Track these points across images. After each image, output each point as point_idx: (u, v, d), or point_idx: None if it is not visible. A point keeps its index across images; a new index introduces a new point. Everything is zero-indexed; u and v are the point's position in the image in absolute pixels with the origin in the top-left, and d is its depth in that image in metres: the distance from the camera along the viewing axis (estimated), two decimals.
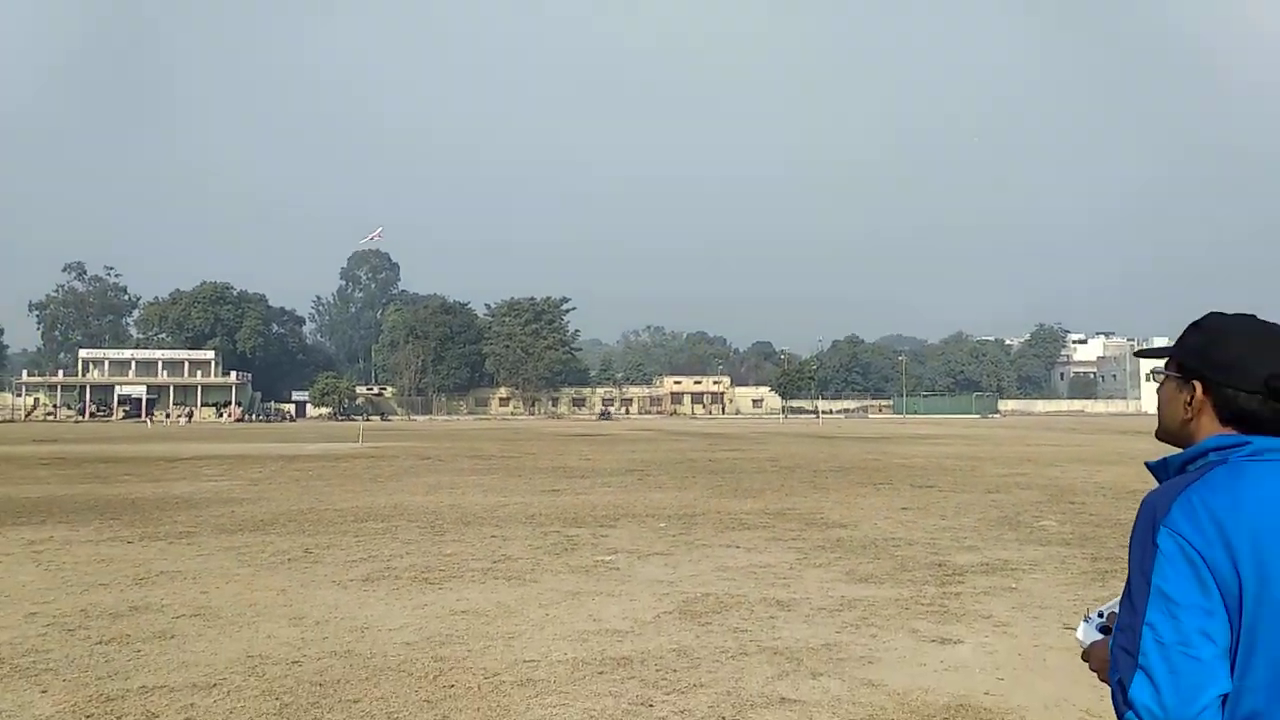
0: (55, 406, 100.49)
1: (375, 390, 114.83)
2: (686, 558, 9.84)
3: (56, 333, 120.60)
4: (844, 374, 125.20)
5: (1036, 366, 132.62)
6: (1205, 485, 1.51)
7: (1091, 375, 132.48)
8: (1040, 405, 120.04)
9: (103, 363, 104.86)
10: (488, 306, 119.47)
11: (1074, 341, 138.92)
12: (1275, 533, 1.45)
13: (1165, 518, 1.49)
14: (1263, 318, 1.64)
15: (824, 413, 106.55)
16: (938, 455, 28.07)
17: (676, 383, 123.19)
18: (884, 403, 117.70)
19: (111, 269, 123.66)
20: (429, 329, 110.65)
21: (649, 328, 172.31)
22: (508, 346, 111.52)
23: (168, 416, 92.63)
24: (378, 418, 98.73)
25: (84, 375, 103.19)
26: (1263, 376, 1.55)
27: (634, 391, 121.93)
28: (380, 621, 7.00)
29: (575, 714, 4.92)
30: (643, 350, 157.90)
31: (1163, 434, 1.71)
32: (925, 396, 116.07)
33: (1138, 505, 1.58)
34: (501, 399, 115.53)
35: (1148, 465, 1.71)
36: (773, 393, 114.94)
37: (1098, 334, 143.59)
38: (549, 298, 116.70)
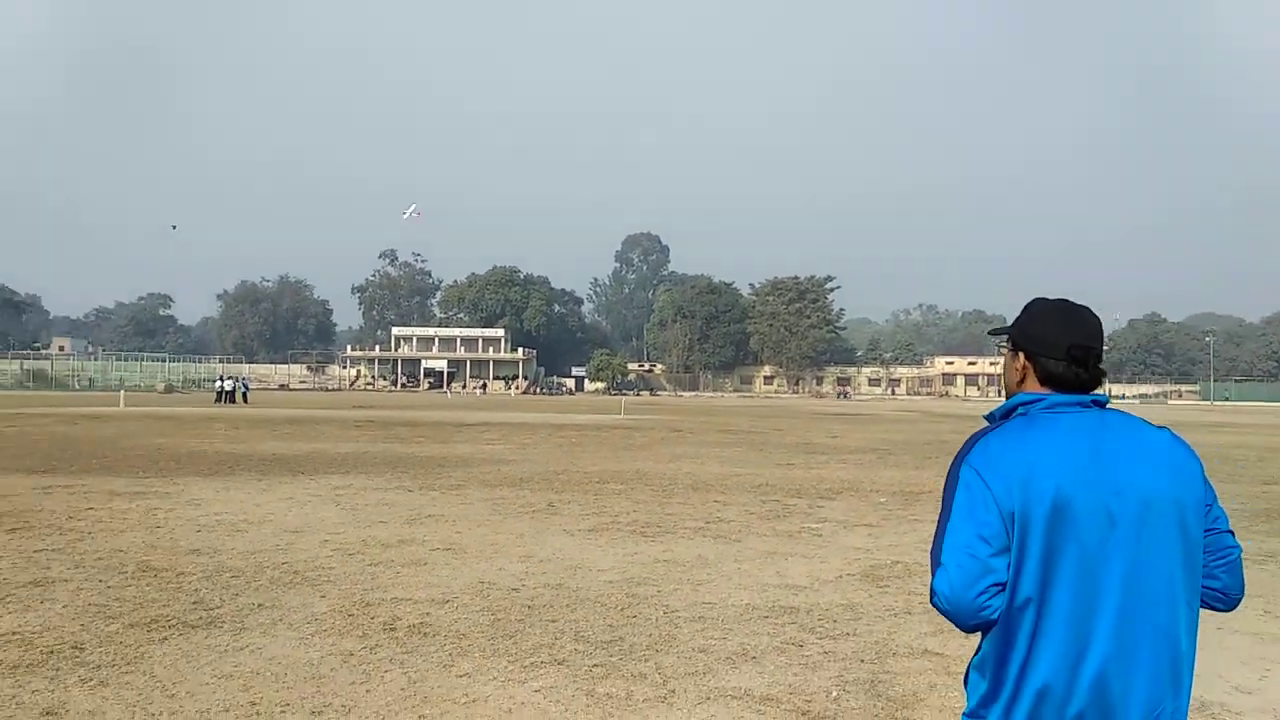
0: (373, 377, 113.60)
1: (646, 367, 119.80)
2: (893, 530, 10.13)
3: (374, 312, 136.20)
4: (1142, 355, 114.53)
5: None
6: (1001, 431, 2.02)
7: None
8: None
9: (411, 339, 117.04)
10: (752, 286, 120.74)
11: None
12: (1043, 465, 1.92)
13: (967, 455, 1.99)
14: None
15: (1115, 398, 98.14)
16: (1225, 444, 25.55)
17: (948, 363, 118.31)
18: (1189, 388, 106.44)
19: (418, 255, 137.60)
20: (695, 308, 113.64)
21: (920, 306, 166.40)
22: (771, 325, 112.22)
23: (464, 387, 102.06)
24: (647, 393, 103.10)
25: (396, 350, 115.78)
26: (1065, 346, 2.05)
27: (902, 372, 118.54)
28: (592, 563, 8.01)
29: (730, 646, 5.60)
30: (913, 329, 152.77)
31: (1006, 394, 2.20)
32: (1239, 382, 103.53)
33: None
34: (765, 377, 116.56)
35: (984, 416, 2.18)
36: None
37: None
38: (813, 276, 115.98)
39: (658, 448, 21.72)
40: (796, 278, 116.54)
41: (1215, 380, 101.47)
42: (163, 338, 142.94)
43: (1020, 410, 2.06)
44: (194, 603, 6.44)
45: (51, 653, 5.22)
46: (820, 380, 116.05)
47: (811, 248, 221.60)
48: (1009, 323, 2.22)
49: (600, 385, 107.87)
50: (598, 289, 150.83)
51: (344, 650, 5.39)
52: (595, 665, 5.19)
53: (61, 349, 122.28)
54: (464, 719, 4.41)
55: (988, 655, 1.98)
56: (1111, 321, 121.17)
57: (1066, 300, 2.14)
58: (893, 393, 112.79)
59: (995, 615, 1.91)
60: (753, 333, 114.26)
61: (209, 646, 5.42)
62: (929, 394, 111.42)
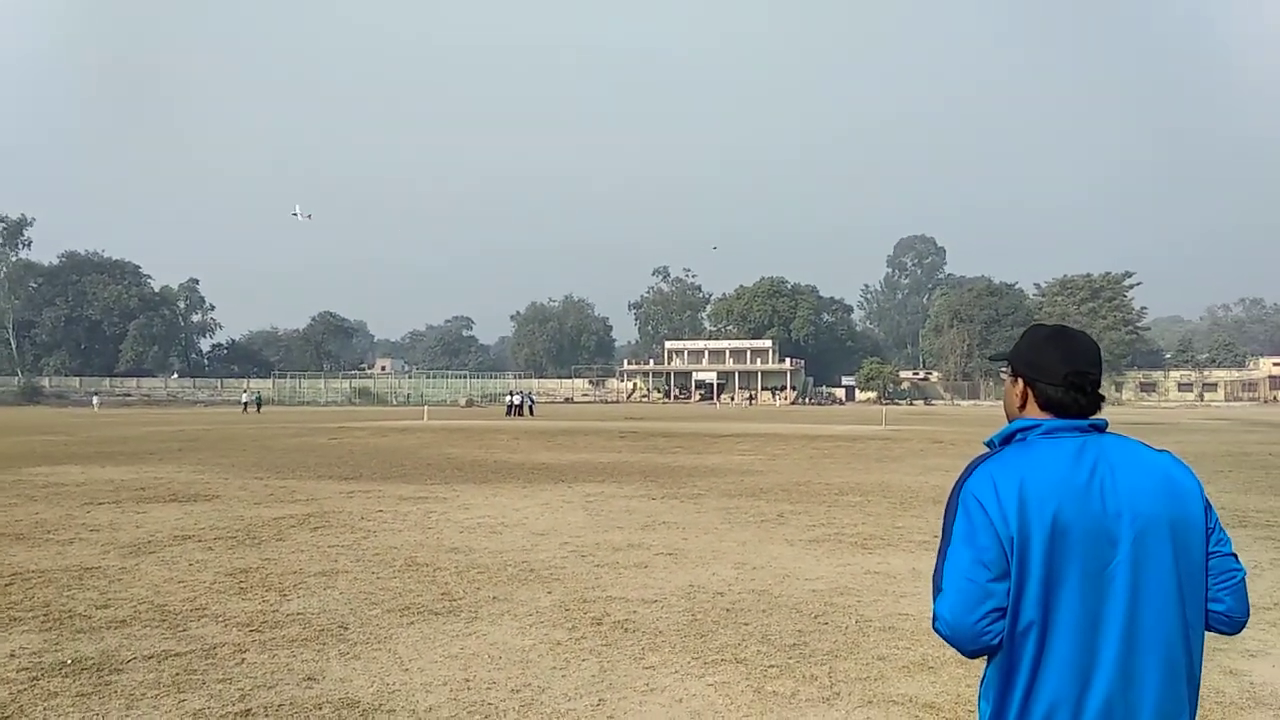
0: (648, 390, 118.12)
1: (921, 375, 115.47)
2: None
3: (649, 327, 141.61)
4: None
5: None
6: (1000, 457, 2.08)
7: None
8: None
9: (683, 352, 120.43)
10: (1037, 286, 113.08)
11: None
12: (1041, 490, 1.99)
13: (965, 481, 2.06)
14: None
15: None
16: None
17: (1277, 364, 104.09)
18: None
19: (689, 270, 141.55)
20: (974, 312, 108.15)
21: (1242, 300, 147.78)
22: None
23: (732, 399, 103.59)
24: (920, 402, 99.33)
25: (668, 363, 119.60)
26: (1062, 373, 2.13)
27: (1219, 375, 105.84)
28: (803, 572, 8.25)
29: (912, 656, 5.69)
30: (1234, 326, 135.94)
31: (1008, 419, 2.25)
32: None
33: None
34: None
35: (984, 442, 2.25)
36: None
37: None
38: (1108, 273, 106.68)
39: (912, 460, 21.24)
40: (1089, 275, 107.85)
41: None
42: (465, 356, 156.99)
43: (1019, 436, 2.13)
44: (442, 594, 7.43)
45: (322, 630, 6.30)
46: (1120, 386, 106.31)
47: (1105, 242, 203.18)
48: None
49: (871, 395, 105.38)
50: (869, 295, 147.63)
51: (553, 639, 6.07)
52: (772, 666, 5.51)
53: (383, 368, 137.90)
54: (639, 705, 4.90)
55: (992, 680, 2.04)
56: None
57: (1064, 326, 2.24)
58: (1202, 398, 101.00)
59: (996, 640, 1.97)
60: None
61: (445, 631, 6.30)
62: (1252, 399, 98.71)
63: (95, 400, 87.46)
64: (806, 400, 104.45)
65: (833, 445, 26.36)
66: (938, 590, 2.03)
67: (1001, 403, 2.35)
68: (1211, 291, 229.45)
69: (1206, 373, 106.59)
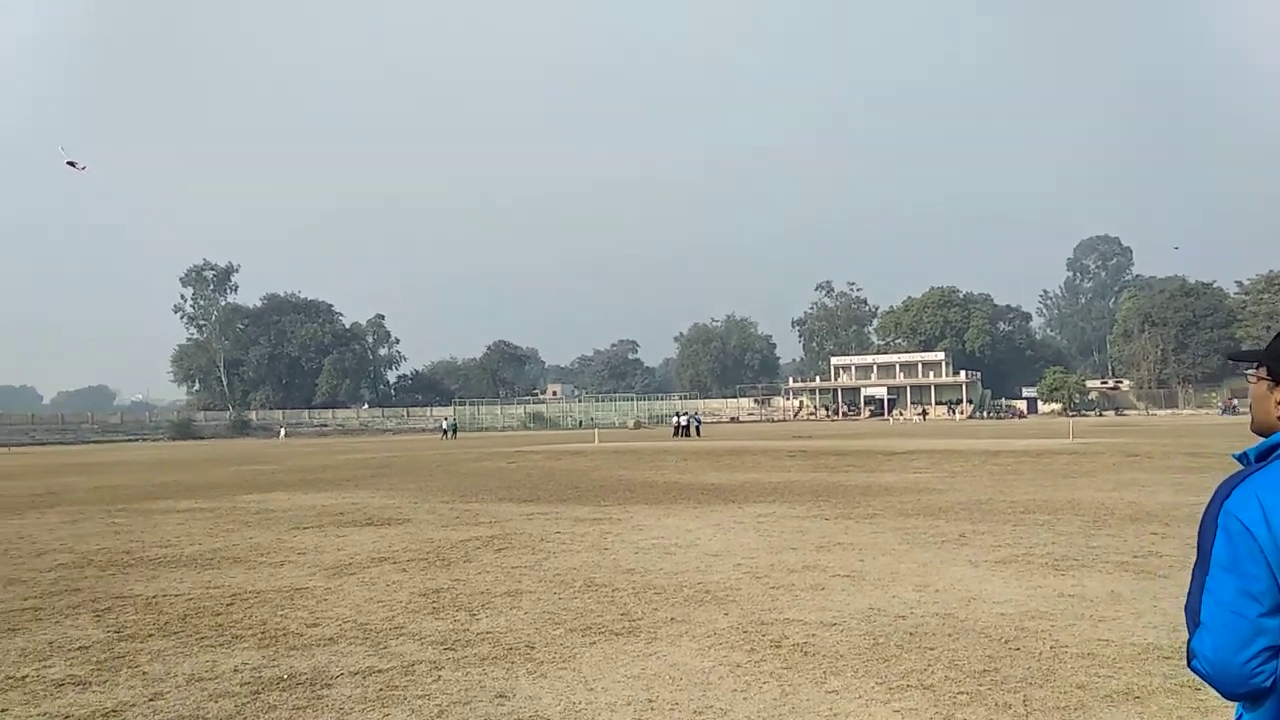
0: (815, 407, 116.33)
1: (1110, 384, 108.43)
2: None
3: (814, 344, 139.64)
4: None
5: None
6: (1265, 474, 1.83)
7: None
8: None
9: (850, 368, 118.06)
10: (1239, 284, 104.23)
11: None
12: None
13: (1227, 501, 1.82)
14: None
15: None
16: None
17: None
18: None
19: (853, 284, 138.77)
20: (1167, 314, 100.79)
21: None
22: (1269, 329, 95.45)
23: (903, 414, 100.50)
24: (1111, 413, 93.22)
25: (835, 379, 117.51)
26: None
27: None
28: (990, 595, 7.92)
29: (1115, 685, 5.36)
30: None
31: (1256, 428, 2.02)
32: None
33: None
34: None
35: (1233, 456, 2.04)
36: None
37: None
38: None
39: (1103, 475, 19.97)
40: None
41: None
42: (631, 379, 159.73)
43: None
44: (621, 614, 7.58)
45: (511, 649, 6.56)
46: None
47: None
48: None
49: (1055, 406, 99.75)
50: (1048, 302, 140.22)
51: (733, 661, 6.08)
52: (961, 693, 5.32)
53: (554, 393, 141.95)
54: None
55: None
56: None
57: None
58: None
59: (1268, 683, 1.75)
60: (1244, 338, 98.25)
61: (626, 651, 6.43)
62: None
63: (281, 432, 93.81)
64: (984, 414, 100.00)
65: (1015, 461, 25.14)
66: (1196, 623, 1.83)
67: (1249, 411, 2.07)
68: None
69: None
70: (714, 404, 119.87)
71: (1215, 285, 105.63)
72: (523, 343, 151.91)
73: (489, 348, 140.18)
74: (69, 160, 52.81)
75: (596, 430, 64.61)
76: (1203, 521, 1.88)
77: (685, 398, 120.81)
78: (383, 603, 8.28)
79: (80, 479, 28.66)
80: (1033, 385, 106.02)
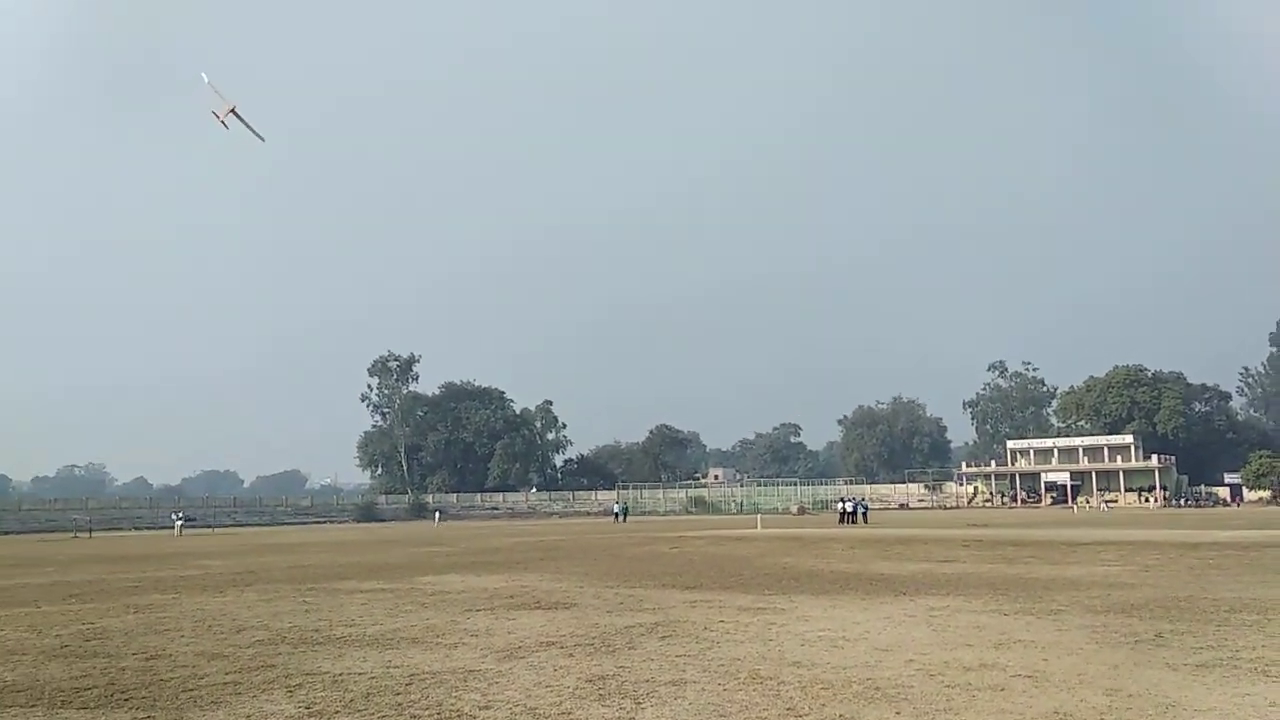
0: (991, 493, 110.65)
1: None
2: None
3: (988, 426, 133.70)
4: None
5: None
6: None
7: None
8: None
9: (1028, 452, 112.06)
10: None
11: None
12: None
13: None
14: None
15: None
16: None
17: None
18: None
19: (1029, 364, 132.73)
20: None
21: None
22: None
23: (1088, 501, 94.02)
24: None
25: (1012, 464, 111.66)
26: None
27: None
28: (1191, 702, 7.30)
29: None
30: None
31: None
32: None
33: None
34: None
35: None
36: None
37: None
38: None
39: None
40: None
41: None
42: (795, 463, 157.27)
43: None
44: (787, 709, 7.44)
45: None
46: None
47: None
48: None
49: (1263, 493, 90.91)
50: (1250, 380, 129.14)
51: None
52: None
53: (715, 477, 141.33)
54: None
55: None
56: None
57: None
58: None
59: None
60: None
61: None
62: None
63: (437, 516, 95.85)
64: (1181, 501, 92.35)
65: (1219, 554, 23.06)
66: None
67: None
68: None
69: None
70: (882, 489, 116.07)
71: None
72: (685, 427, 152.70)
73: (651, 432, 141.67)
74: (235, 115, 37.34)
75: (759, 515, 63.68)
76: None
77: (851, 482, 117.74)
78: (551, 687, 8.44)
79: (275, 559, 30.68)
80: (1236, 471, 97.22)
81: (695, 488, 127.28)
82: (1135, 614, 12.53)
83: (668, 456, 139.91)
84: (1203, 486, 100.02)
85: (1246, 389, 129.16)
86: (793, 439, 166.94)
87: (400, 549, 35.41)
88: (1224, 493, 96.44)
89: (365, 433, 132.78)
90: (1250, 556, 21.92)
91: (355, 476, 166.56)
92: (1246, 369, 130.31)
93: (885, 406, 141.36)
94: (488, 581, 19.75)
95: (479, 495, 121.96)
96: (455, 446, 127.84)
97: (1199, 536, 31.23)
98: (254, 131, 39.67)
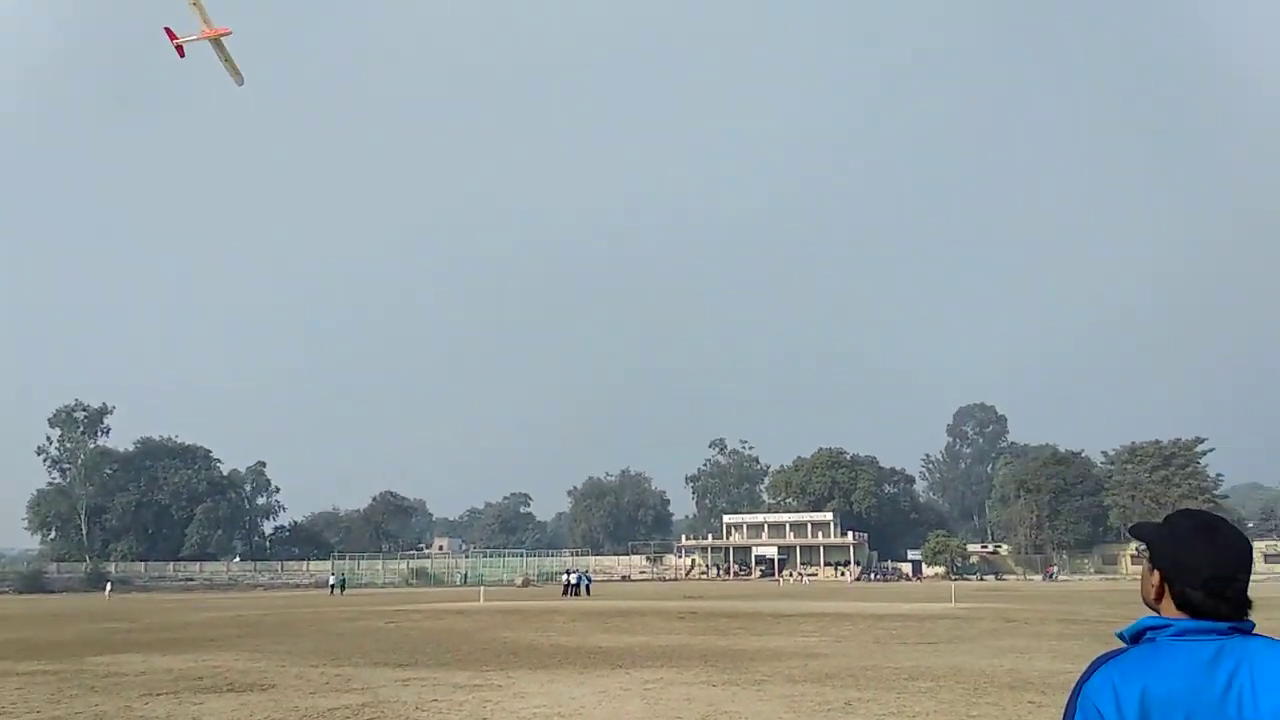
0: (707, 566, 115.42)
1: (989, 548, 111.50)
2: None
3: (707, 500, 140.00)
4: None
5: None
6: (1123, 660, 1.92)
7: None
8: None
9: (742, 526, 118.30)
10: (1105, 454, 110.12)
11: None
12: (1167, 701, 1.85)
13: (1085, 685, 1.92)
14: None
15: None
16: None
17: None
18: None
19: (746, 443, 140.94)
20: (1040, 481, 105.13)
21: None
22: (1133, 497, 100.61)
23: (792, 575, 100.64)
24: (991, 577, 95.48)
25: (727, 538, 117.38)
26: (1204, 577, 1.94)
27: None
28: None
29: None
30: None
31: (1144, 601, 2.10)
32: None
33: None
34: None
35: (1116, 634, 2.09)
36: None
37: None
38: (1178, 440, 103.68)
39: (985, 640, 20.31)
40: (1158, 442, 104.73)
41: None
42: (523, 533, 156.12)
43: (1148, 635, 1.96)
44: None
45: None
46: None
47: (1175, 408, 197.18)
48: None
49: (939, 569, 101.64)
50: (930, 466, 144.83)
51: None
52: None
53: (441, 548, 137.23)
54: None
55: None
56: None
57: (1213, 520, 2.03)
58: None
59: None
60: (1111, 506, 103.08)
61: None
62: None
63: (108, 587, 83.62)
64: (872, 575, 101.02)
65: (901, 625, 25.35)
66: None
67: (1139, 585, 2.14)
68: None
69: None
70: (606, 561, 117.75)
71: (1083, 454, 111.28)
72: (411, 494, 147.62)
73: (374, 499, 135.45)
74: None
75: (483, 588, 62.49)
76: (1067, 703, 1.96)
77: (577, 554, 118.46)
78: None
79: None
80: (917, 548, 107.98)
81: (418, 558, 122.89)
82: (828, 683, 13.40)
83: (391, 525, 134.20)
84: (889, 562, 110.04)
85: (927, 473, 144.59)
86: (522, 509, 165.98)
87: (71, 624, 31.23)
88: (907, 568, 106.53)
89: (39, 490, 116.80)
90: (926, 628, 24.25)
91: (22, 541, 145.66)
92: (928, 455, 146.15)
93: (614, 479, 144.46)
94: (173, 661, 17.81)
95: (172, 564, 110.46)
96: (148, 509, 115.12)
97: (885, 609, 34.21)
98: (234, 70, 32.39)
